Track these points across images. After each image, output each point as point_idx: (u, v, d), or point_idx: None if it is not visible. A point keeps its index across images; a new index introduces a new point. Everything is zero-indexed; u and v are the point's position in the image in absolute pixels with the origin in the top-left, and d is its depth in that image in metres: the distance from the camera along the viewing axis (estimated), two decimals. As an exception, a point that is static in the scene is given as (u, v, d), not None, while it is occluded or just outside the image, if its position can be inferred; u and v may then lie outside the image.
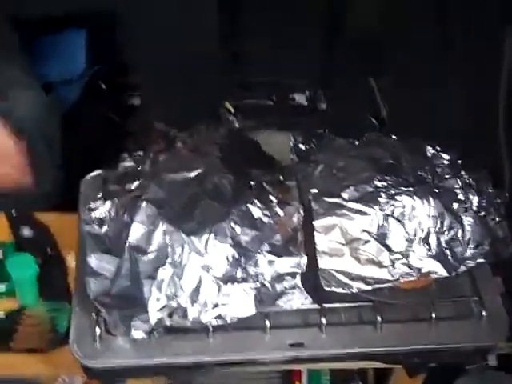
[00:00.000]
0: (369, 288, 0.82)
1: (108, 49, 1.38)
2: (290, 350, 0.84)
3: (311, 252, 0.83)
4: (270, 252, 0.81)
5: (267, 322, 0.83)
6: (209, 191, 0.83)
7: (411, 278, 0.83)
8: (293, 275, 0.82)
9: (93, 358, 0.81)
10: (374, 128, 1.42)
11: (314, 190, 0.85)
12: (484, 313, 0.87)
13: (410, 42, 1.42)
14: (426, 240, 0.84)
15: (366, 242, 0.83)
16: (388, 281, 0.83)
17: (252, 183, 0.85)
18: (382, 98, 1.57)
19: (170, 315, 0.79)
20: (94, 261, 0.82)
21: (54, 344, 0.90)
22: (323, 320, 0.84)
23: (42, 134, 1.08)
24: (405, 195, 0.84)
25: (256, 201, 0.83)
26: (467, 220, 0.86)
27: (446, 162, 0.91)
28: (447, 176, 0.88)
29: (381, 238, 0.83)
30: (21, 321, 0.92)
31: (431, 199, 0.85)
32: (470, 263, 0.85)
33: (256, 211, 0.82)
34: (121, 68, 1.46)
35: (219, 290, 0.79)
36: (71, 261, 0.97)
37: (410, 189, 0.85)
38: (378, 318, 0.85)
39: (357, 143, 0.95)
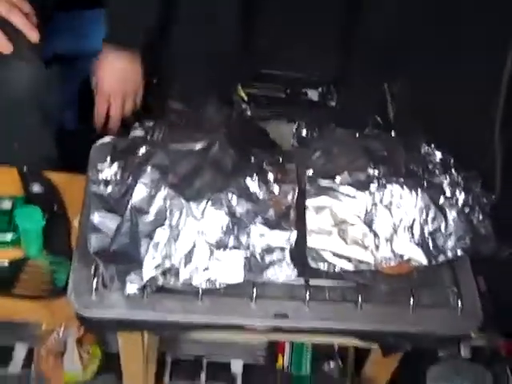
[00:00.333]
0: (352, 268, 0.87)
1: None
2: (274, 320, 0.89)
3: (301, 229, 0.88)
4: (262, 224, 0.86)
5: (254, 292, 0.88)
6: (211, 163, 0.88)
7: (393, 263, 0.88)
8: (282, 249, 0.87)
9: (88, 308, 0.86)
10: (379, 127, 1.46)
11: (310, 172, 0.90)
12: (460, 304, 0.91)
13: (424, 48, 1.46)
14: (410, 229, 0.89)
15: (354, 224, 0.88)
16: (370, 264, 0.88)
17: (252, 160, 0.90)
18: (391, 101, 1.62)
19: (164, 274, 0.84)
20: (97, 218, 0.88)
21: (53, 295, 0.95)
22: (307, 295, 0.89)
23: (38, 104, 1.12)
24: (394, 184, 0.89)
25: (255, 176, 0.88)
26: (451, 214, 0.90)
27: (438, 160, 0.96)
28: (437, 172, 0.93)
29: (368, 222, 0.88)
30: (24, 270, 0.97)
31: (419, 191, 0.89)
32: (450, 254, 0.90)
33: (253, 186, 0.87)
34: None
35: (211, 255, 0.84)
36: (75, 221, 1.02)
37: (401, 180, 0.90)
38: (360, 299, 0.90)
39: (357, 135, 0.99)
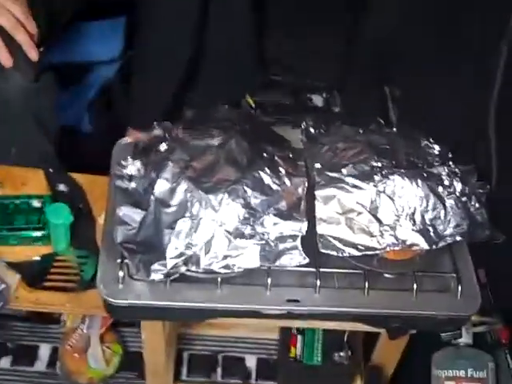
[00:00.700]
0: (359, 254, 0.94)
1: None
2: (287, 305, 0.95)
3: (311, 219, 0.95)
4: (275, 215, 0.93)
5: (269, 280, 0.95)
6: (226, 158, 0.95)
7: (397, 248, 0.95)
8: (294, 237, 0.94)
9: (115, 296, 0.93)
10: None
11: (318, 165, 0.98)
12: (460, 288, 0.98)
13: (422, 51, 1.53)
14: (411, 216, 0.96)
15: (360, 213, 0.95)
16: (376, 249, 0.95)
17: (265, 155, 0.97)
18: (393, 104, 1.69)
19: (185, 262, 0.91)
20: (122, 212, 0.95)
21: (81, 287, 1.02)
22: (318, 282, 0.96)
23: (32, 113, 1.18)
24: (396, 176, 0.96)
25: (267, 170, 0.95)
26: (450, 203, 0.97)
27: (436, 152, 1.03)
28: (436, 163, 1.00)
29: (373, 211, 0.95)
30: (53, 264, 1.04)
31: (419, 181, 0.96)
32: (449, 240, 0.97)
33: (266, 179, 0.94)
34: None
35: (229, 243, 0.91)
36: (99, 218, 1.09)
37: (402, 171, 0.97)
38: (366, 285, 0.96)
39: (361, 131, 1.06)
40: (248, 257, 0.91)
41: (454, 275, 0.99)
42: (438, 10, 1.44)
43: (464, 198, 0.99)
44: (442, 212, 0.96)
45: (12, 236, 1.05)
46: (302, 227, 0.94)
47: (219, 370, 1.40)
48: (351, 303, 0.97)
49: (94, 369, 1.30)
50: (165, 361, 1.18)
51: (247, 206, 0.92)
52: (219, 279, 0.94)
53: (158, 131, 1.03)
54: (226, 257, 0.91)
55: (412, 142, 1.04)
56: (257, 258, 0.92)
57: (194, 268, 0.91)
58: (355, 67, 1.89)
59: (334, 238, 0.95)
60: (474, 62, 1.30)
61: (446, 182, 0.98)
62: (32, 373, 1.33)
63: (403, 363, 1.20)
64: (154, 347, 1.12)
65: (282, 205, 0.94)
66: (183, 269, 0.91)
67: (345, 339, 1.28)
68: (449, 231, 0.97)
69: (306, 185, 0.97)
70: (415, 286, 0.97)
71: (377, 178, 0.96)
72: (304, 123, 1.08)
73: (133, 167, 0.97)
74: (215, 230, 0.91)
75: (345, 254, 0.95)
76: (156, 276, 0.91)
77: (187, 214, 0.91)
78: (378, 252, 0.95)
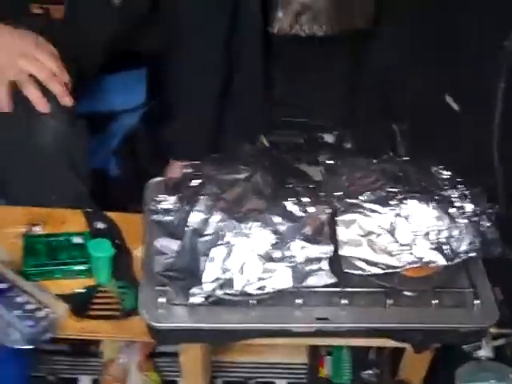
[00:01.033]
0: (381, 272, 1.02)
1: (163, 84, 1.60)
2: (316, 323, 1.03)
3: (335, 242, 1.03)
4: (302, 239, 1.01)
5: (298, 300, 1.02)
6: (253, 190, 1.04)
7: (415, 266, 1.03)
8: (320, 259, 1.02)
9: (158, 321, 1.00)
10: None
11: (338, 194, 1.06)
12: (477, 302, 1.05)
13: (427, 90, 1.63)
14: (427, 236, 1.03)
15: (379, 235, 1.03)
16: (396, 267, 1.03)
17: (288, 186, 1.06)
18: (401, 138, 1.78)
19: (221, 286, 0.98)
20: (159, 243, 1.03)
21: (123, 315, 1.09)
22: (343, 300, 1.03)
23: (67, 157, 1.25)
24: (411, 199, 1.04)
25: (291, 199, 1.03)
26: (462, 222, 1.05)
27: (446, 177, 1.11)
28: (446, 187, 1.08)
29: (391, 232, 1.03)
30: (96, 295, 1.12)
31: (432, 204, 1.04)
32: (464, 256, 1.04)
33: (291, 207, 1.03)
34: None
35: (261, 267, 0.99)
36: (135, 251, 1.17)
37: (415, 195, 1.05)
38: (389, 302, 1.04)
39: (374, 161, 1.15)
40: (279, 278, 0.99)
41: (472, 290, 1.06)
42: (439, 47, 1.53)
43: (475, 218, 1.06)
44: (456, 231, 1.04)
45: (57, 270, 1.13)
46: (327, 250, 1.02)
47: (252, 395, 1.45)
48: (375, 319, 1.04)
49: (134, 399, 1.35)
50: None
51: (276, 232, 1.00)
52: (253, 301, 1.01)
53: (187, 169, 1.12)
54: (259, 279, 0.99)
55: (422, 169, 1.12)
56: (287, 280, 0.99)
57: (229, 291, 0.99)
58: (363, 105, 1.98)
59: (357, 259, 1.03)
60: (476, 95, 1.39)
61: (457, 204, 1.06)
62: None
63: (428, 379, 1.26)
64: (191, 372, 1.19)
65: (307, 230, 1.02)
66: (219, 292, 0.99)
67: (372, 357, 1.35)
68: (463, 248, 1.04)
69: (328, 211, 1.05)
70: (435, 301, 1.04)
71: (393, 202, 1.04)
72: (322, 156, 1.16)
73: (167, 202, 1.05)
74: (247, 256, 0.99)
75: (367, 273, 1.02)
76: (194, 300, 0.98)
77: (221, 242, 0.99)
78: (398, 270, 1.03)
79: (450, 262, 1.03)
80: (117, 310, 1.11)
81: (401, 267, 1.03)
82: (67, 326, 1.07)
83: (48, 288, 1.11)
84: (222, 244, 0.99)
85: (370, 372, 1.35)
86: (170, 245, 1.02)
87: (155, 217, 1.06)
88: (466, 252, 1.04)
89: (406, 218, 1.03)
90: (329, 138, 2.02)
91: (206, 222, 1.00)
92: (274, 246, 1.00)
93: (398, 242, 1.03)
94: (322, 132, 2.00)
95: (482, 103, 1.36)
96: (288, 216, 1.02)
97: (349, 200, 1.05)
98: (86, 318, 1.08)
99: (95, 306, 1.10)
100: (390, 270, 1.02)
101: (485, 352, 1.23)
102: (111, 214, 1.24)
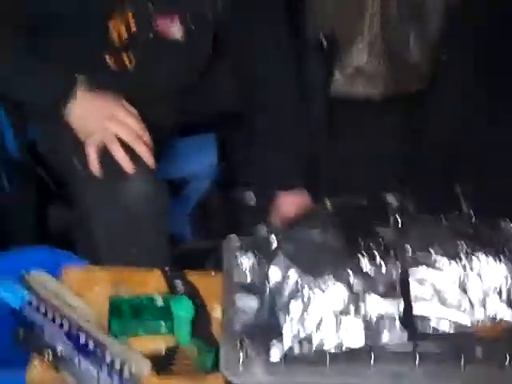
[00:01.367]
0: (452, 330, 1.05)
1: (233, 149, 1.68)
2: (390, 380, 1.06)
3: (407, 298, 1.06)
4: (375, 296, 1.05)
5: (372, 356, 1.06)
6: (328, 246, 1.09)
7: (488, 323, 1.05)
8: (393, 316, 1.05)
9: (238, 378, 1.04)
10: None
11: (409, 250, 1.10)
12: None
13: (486, 149, 1.67)
14: (499, 292, 1.06)
15: (451, 291, 1.06)
16: (468, 325, 1.05)
17: (362, 243, 1.11)
18: (465, 200, 1.80)
19: (300, 342, 1.03)
20: (239, 300, 1.08)
21: (203, 374, 1.14)
22: (417, 356, 1.06)
23: (150, 217, 1.33)
24: (481, 255, 1.08)
25: (365, 255, 1.08)
26: (534, 279, 1.08)
27: (515, 233, 1.15)
28: (516, 241, 1.12)
29: (462, 288, 1.06)
30: (177, 353, 1.17)
31: (503, 259, 1.07)
32: (537, 315, 1.06)
33: (365, 263, 1.07)
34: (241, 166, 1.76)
35: (336, 323, 1.03)
36: (214, 311, 1.22)
37: (485, 250, 1.08)
38: (462, 359, 1.06)
39: (443, 217, 1.19)
40: (353, 335, 1.03)
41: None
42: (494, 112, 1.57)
43: (547, 275, 1.09)
44: (528, 288, 1.07)
45: (140, 327, 1.19)
46: (399, 306, 1.05)
47: None
48: (449, 377, 1.06)
49: None
50: None
51: (350, 287, 1.04)
52: (328, 357, 1.05)
53: (262, 230, 1.18)
54: (334, 335, 1.03)
55: (491, 225, 1.15)
56: (361, 336, 1.03)
57: (307, 347, 1.03)
58: (424, 165, 2.03)
59: (429, 315, 1.06)
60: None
61: (527, 259, 1.09)
62: None
63: None
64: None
65: (380, 286, 1.06)
66: (298, 348, 1.03)
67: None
68: (536, 306, 1.07)
69: (400, 267, 1.09)
70: (508, 360, 1.06)
71: (463, 257, 1.07)
72: (392, 215, 1.21)
73: (246, 260, 1.11)
74: (324, 311, 1.03)
75: (440, 330, 1.05)
76: (274, 357, 1.03)
77: (299, 298, 1.03)
78: (470, 327, 1.06)
79: (523, 317, 1.05)
80: (197, 367, 1.15)
81: (473, 325, 1.05)
82: (150, 383, 1.12)
83: (131, 346, 1.17)
84: (299, 300, 1.03)
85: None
86: (249, 302, 1.08)
87: (234, 275, 1.11)
88: (540, 309, 1.07)
89: (478, 274, 1.07)
90: (391, 199, 2.05)
91: (283, 278, 1.05)
92: (349, 301, 1.04)
93: (469, 298, 1.06)
94: (385, 193, 2.04)
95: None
96: (362, 272, 1.06)
97: (420, 256, 1.09)
98: (168, 376, 1.13)
99: (176, 364, 1.15)
100: (463, 328, 1.05)
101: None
102: (190, 274, 1.30)
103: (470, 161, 1.78)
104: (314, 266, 1.06)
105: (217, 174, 1.68)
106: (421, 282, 1.08)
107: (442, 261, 1.07)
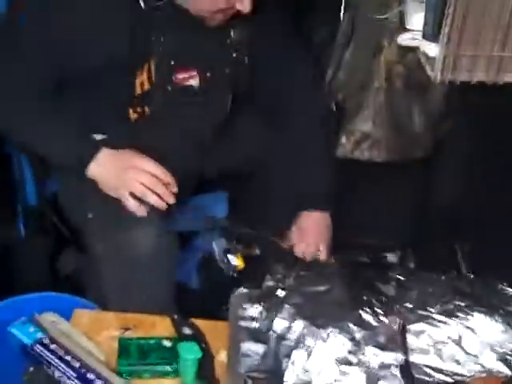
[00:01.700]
0: (448, 379, 1.10)
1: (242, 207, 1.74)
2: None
3: (406, 349, 1.11)
4: (376, 346, 1.10)
5: (371, 404, 1.10)
6: (333, 300, 1.14)
7: (482, 375, 1.10)
8: (392, 366, 1.10)
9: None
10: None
11: (409, 305, 1.16)
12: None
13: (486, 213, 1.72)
14: (493, 348, 1.11)
15: (447, 344, 1.11)
16: (464, 375, 1.10)
17: (364, 298, 1.16)
18: (463, 259, 1.85)
19: (301, 387, 1.08)
20: (246, 346, 1.13)
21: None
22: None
23: (160, 265, 1.36)
24: (477, 313, 1.13)
25: (367, 309, 1.13)
26: (526, 337, 1.13)
27: (511, 294, 1.20)
28: (511, 303, 1.17)
29: (458, 342, 1.11)
30: (182, 394, 1.21)
31: (498, 317, 1.13)
32: (529, 367, 1.11)
33: (366, 317, 1.13)
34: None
35: (338, 371, 1.08)
36: (218, 355, 1.27)
37: (482, 309, 1.14)
38: (457, 411, 1.11)
39: (443, 277, 1.25)
40: (354, 382, 1.08)
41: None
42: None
43: (540, 332, 1.14)
44: (520, 344, 1.12)
45: (146, 371, 1.23)
46: (398, 357, 1.10)
47: None
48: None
49: None
50: None
51: (352, 339, 1.10)
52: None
53: (270, 282, 1.23)
54: (335, 381, 1.07)
55: (488, 285, 1.21)
56: (362, 383, 1.08)
57: (308, 392, 1.07)
58: (425, 226, 2.08)
59: (426, 366, 1.11)
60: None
61: (522, 318, 1.15)
62: None
63: None
64: None
65: (381, 338, 1.11)
66: (300, 393, 1.08)
67: None
68: (528, 361, 1.11)
69: (400, 321, 1.14)
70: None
71: (460, 315, 1.13)
72: (392, 273, 1.27)
73: (254, 310, 1.16)
74: (326, 359, 1.08)
75: (436, 381, 1.10)
76: (276, 400, 1.07)
77: (302, 346, 1.09)
78: (465, 379, 1.10)
79: (515, 373, 1.10)
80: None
81: (468, 376, 1.10)
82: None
83: (138, 386, 1.22)
84: (303, 348, 1.08)
85: None
86: (255, 348, 1.13)
87: (242, 323, 1.16)
88: (532, 364, 1.11)
89: (473, 330, 1.12)
90: (392, 257, 2.11)
91: (289, 328, 1.11)
92: (350, 351, 1.09)
93: (465, 351, 1.11)
94: (385, 252, 2.10)
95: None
96: (363, 325, 1.12)
97: (419, 312, 1.14)
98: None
99: (180, 405, 1.20)
100: (458, 378, 1.10)
101: None
102: (196, 321, 1.34)
103: (470, 224, 1.83)
104: (317, 318, 1.11)
105: (226, 227, 1.74)
106: (419, 335, 1.13)
107: (441, 317, 1.13)
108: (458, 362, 1.11)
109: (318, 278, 1.20)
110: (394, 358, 1.10)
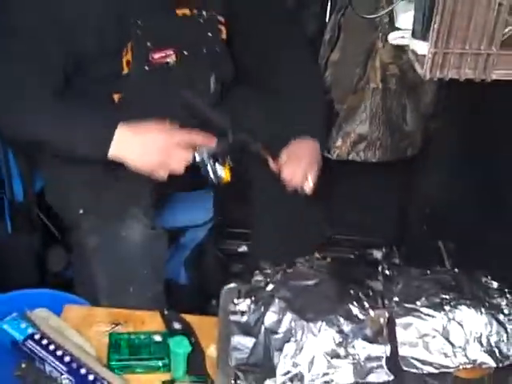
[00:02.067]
0: (436, 371, 1.12)
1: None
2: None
3: (393, 342, 1.13)
4: (363, 339, 1.12)
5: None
6: (321, 294, 1.16)
7: (468, 367, 1.12)
8: (379, 358, 1.12)
9: (231, 413, 1.11)
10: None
11: (396, 299, 1.18)
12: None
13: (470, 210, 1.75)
14: (479, 339, 1.14)
15: (434, 337, 1.14)
16: (450, 367, 1.12)
17: (351, 292, 1.18)
18: (447, 256, 1.89)
19: (291, 379, 1.09)
20: (236, 340, 1.15)
21: (196, 409, 1.20)
22: (402, 397, 1.13)
23: (148, 259, 1.39)
24: (463, 306, 1.15)
25: (354, 303, 1.15)
26: (510, 328, 1.15)
27: (495, 287, 1.23)
28: (495, 295, 1.19)
29: (445, 335, 1.13)
30: (173, 389, 1.23)
31: (483, 310, 1.15)
32: (512, 359, 1.14)
33: (355, 310, 1.14)
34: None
35: (327, 363, 1.10)
36: (208, 349, 1.28)
37: (467, 302, 1.16)
38: (444, 401, 1.13)
39: (428, 271, 1.27)
40: (343, 374, 1.10)
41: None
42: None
43: (524, 324, 1.17)
44: (505, 336, 1.14)
45: (138, 365, 1.24)
46: (385, 349, 1.12)
47: None
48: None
49: None
50: None
51: (341, 332, 1.11)
52: (318, 395, 1.11)
53: (259, 277, 1.25)
54: (324, 374, 1.09)
55: (473, 278, 1.23)
56: (351, 375, 1.10)
57: (298, 384, 1.09)
58: (411, 224, 2.11)
59: (413, 358, 1.13)
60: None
61: (506, 311, 1.17)
62: None
63: None
64: None
65: (368, 331, 1.13)
66: (290, 385, 1.10)
67: None
68: (512, 351, 1.14)
69: (387, 315, 1.16)
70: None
71: (446, 308, 1.15)
72: (380, 267, 1.28)
73: (244, 304, 1.18)
74: (315, 352, 1.10)
75: (423, 372, 1.12)
76: (268, 392, 1.09)
77: (292, 339, 1.10)
78: (451, 370, 1.13)
79: (500, 364, 1.12)
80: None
81: (454, 367, 1.12)
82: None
83: (129, 381, 1.23)
84: (293, 341, 1.10)
85: None
86: (245, 342, 1.14)
87: (232, 317, 1.18)
88: (515, 355, 1.14)
89: (459, 323, 1.14)
90: (377, 254, 2.15)
91: (279, 321, 1.12)
92: (339, 344, 1.11)
93: (451, 344, 1.13)
94: (371, 249, 2.14)
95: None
96: (351, 318, 1.13)
97: (406, 305, 1.16)
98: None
99: (173, 399, 1.21)
100: (445, 370, 1.12)
101: None
102: (186, 316, 1.36)
103: (455, 221, 1.86)
104: (307, 311, 1.13)
105: (212, 225, 1.76)
106: (406, 328, 1.15)
107: (427, 311, 1.15)
108: (444, 355, 1.13)
109: (307, 273, 1.21)
110: (381, 350, 1.12)
